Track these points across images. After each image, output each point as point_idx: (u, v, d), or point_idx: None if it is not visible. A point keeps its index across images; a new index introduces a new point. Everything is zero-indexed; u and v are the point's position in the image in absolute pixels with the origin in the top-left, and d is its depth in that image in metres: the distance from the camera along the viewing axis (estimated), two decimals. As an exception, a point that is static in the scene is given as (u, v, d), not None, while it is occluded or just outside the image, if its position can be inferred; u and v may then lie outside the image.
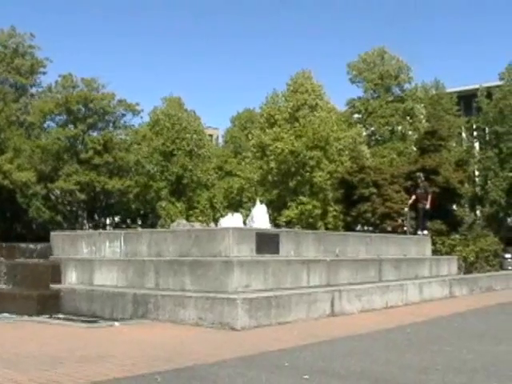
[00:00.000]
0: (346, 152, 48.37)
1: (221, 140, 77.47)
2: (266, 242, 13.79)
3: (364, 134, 55.84)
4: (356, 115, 58.28)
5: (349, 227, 37.41)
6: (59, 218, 53.62)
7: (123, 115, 57.92)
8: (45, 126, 57.28)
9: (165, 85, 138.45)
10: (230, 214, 19.04)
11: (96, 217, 57.83)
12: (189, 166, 55.71)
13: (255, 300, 11.74)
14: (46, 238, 23.92)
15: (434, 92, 60.42)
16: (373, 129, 57.41)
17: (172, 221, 43.37)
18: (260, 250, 13.50)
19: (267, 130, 48.94)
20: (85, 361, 8.03)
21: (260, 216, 18.33)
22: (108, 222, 59.12)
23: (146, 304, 12.60)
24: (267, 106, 51.97)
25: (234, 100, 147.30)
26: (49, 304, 14.29)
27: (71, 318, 13.46)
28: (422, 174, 23.69)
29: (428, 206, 21.35)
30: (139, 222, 58.73)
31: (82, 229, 48.83)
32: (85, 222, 55.78)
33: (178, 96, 59.93)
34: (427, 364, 8.05)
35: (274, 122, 49.58)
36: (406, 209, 23.68)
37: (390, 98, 57.28)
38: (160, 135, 56.49)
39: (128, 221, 58.67)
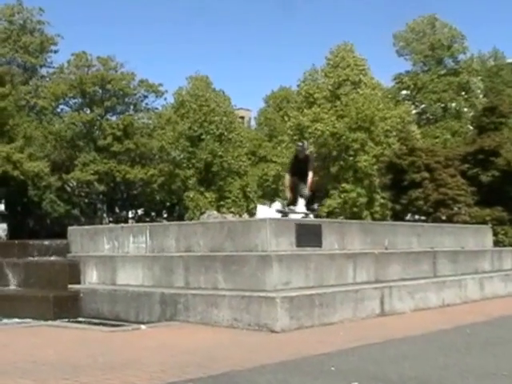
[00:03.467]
0: (394, 133, 48.00)
1: (253, 122, 77.44)
2: (307, 234, 13.75)
3: (413, 112, 55.37)
4: (404, 91, 57.78)
5: (398, 216, 37.12)
6: (76, 211, 54.16)
7: (145, 97, 58.24)
8: (58, 110, 57.81)
9: (190, 63, 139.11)
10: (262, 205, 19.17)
11: (117, 210, 58.29)
12: (218, 151, 55.82)
13: (296, 299, 11.73)
14: (61, 234, 24.19)
15: (492, 63, 59.63)
16: (423, 106, 56.88)
17: (201, 212, 43.56)
18: (301, 242, 13.46)
19: (305, 111, 48.78)
20: (108, 368, 8.09)
21: (298, 206, 18.29)
22: (130, 215, 59.53)
23: (175, 304, 12.66)
24: (305, 84, 51.78)
25: (268, 78, 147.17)
26: (67, 307, 14.44)
27: (92, 322, 13.60)
28: (305, 143, 18.16)
29: (307, 191, 15.84)
30: (165, 215, 59.07)
31: (101, 223, 49.20)
32: (104, 215, 56.26)
33: (205, 75, 60.08)
34: (491, 369, 7.96)
35: (313, 101, 49.40)
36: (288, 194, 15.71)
37: (443, 71, 56.68)
38: (186, 118, 56.66)
39: (152, 214, 59.04)
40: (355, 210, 45.91)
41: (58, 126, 54.91)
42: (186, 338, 10.85)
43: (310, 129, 47.37)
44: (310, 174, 15.77)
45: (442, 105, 56.06)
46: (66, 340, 10.82)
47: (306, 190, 15.15)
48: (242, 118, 74.95)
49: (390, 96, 52.80)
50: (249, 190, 56.90)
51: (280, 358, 8.73)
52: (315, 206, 14.80)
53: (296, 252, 13.25)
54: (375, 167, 45.84)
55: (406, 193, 37.68)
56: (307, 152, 16.24)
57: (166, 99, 60.05)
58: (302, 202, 15.39)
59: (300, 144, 16.53)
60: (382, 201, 45.31)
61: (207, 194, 55.21)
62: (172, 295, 12.87)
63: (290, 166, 15.61)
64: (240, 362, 8.48)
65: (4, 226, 30.19)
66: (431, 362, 8.48)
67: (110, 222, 53.50)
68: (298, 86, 54.05)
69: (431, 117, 56.84)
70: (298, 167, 15.54)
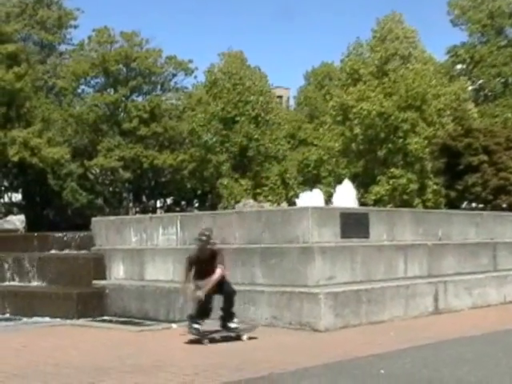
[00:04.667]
0: (448, 112, 47.56)
1: (293, 102, 77.25)
2: (353, 224, 13.71)
3: (470, 88, 54.75)
4: (459, 66, 57.15)
5: (453, 204, 36.84)
6: (99, 201, 54.49)
7: (173, 75, 58.32)
8: (78, 91, 58.10)
9: (222, 37, 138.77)
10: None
11: (144, 199, 58.58)
12: (254, 134, 55.74)
13: (341, 295, 11.73)
14: (83, 226, 24.39)
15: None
16: (481, 82, 56.19)
17: (236, 201, 43.57)
18: (346, 233, 13.43)
19: (350, 89, 48.48)
20: (137, 371, 8.18)
21: (344, 194, 18.30)
22: (158, 204, 59.83)
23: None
24: (349, 59, 51.42)
25: (309, 53, 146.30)
26: (91, 304, 14.60)
27: (119, 321, 13.73)
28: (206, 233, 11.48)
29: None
30: (196, 204, 59.27)
31: (127, 213, 49.52)
32: (131, 205, 56.60)
33: (239, 50, 59.97)
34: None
35: (358, 78, 49.07)
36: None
37: (503, 43, 55.91)
38: (219, 98, 56.66)
39: (182, 203, 59.26)
40: (405, 197, 45.58)
41: (79, 109, 55.23)
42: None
43: (355, 108, 47.06)
44: (219, 271, 10.89)
45: (502, 80, 55.31)
46: (90, 341, 10.95)
47: (198, 294, 10.72)
48: (280, 97, 74.75)
49: (443, 71, 52.19)
50: (288, 176, 56.75)
51: (324, 360, 8.74)
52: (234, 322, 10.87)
53: (341, 244, 13.23)
54: (427, 150, 45.49)
55: (461, 178, 37.37)
56: (210, 245, 11.17)
57: (196, 78, 60.11)
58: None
59: (203, 232, 11.27)
60: (434, 187, 44.97)
61: (242, 181, 55.20)
62: (206, 291, 12.94)
63: (191, 261, 11.12)
64: (280, 364, 8.51)
65: (22, 217, 30.39)
66: (493, 365, 8.42)
67: (136, 212, 53.80)
68: (342, 61, 53.71)
69: (490, 93, 56.12)
70: (202, 267, 11.00)
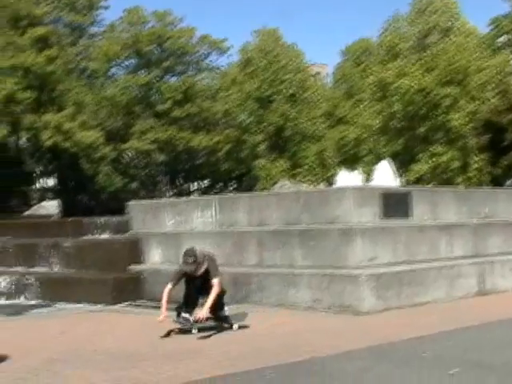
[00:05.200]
0: (491, 86, 47.01)
1: (330, 79, 76.88)
2: (394, 204, 13.65)
3: (514, 61, 54.05)
4: (502, 38, 56.43)
5: (497, 182, 36.57)
6: (134, 185, 54.78)
7: (207, 55, 58.30)
8: (110, 73, 58.32)
9: (256, 15, 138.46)
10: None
11: (179, 182, 58.77)
12: (291, 113, 55.55)
13: (383, 276, 11.72)
14: (118, 210, 24.57)
15: None
16: (525, 54, 55.43)
17: (273, 183, 43.60)
18: (387, 213, 13.38)
19: (388, 64, 48.13)
20: (174, 357, 8.25)
21: (383, 173, 18.22)
22: (194, 187, 60.00)
23: (248, 285, 12.80)
24: (387, 34, 51.04)
25: (346, 28, 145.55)
26: (127, 289, 14.72)
27: (155, 306, 13.83)
28: (196, 251, 10.87)
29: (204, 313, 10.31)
30: (232, 186, 59.34)
31: (162, 197, 49.71)
32: (166, 188, 56.82)
33: (273, 27, 59.78)
34: None
35: (397, 53, 48.68)
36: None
37: (548, 13, 55.06)
38: (254, 77, 56.52)
39: (218, 185, 59.36)
40: (447, 175, 45.25)
41: (112, 91, 55.36)
42: (261, 321, 10.94)
43: (394, 85, 46.72)
44: (214, 289, 10.29)
45: (549, 51, 54.50)
46: (126, 326, 11.07)
47: (200, 314, 10.12)
48: (317, 74, 74.44)
49: (486, 44, 51.55)
50: (326, 155, 56.60)
51: (366, 343, 8.75)
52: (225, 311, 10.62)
53: (382, 224, 13.18)
54: (470, 126, 45.08)
55: (506, 154, 37.04)
56: (203, 266, 10.52)
57: (230, 57, 60.06)
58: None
59: (189, 259, 10.47)
60: (478, 165, 44.60)
61: (279, 162, 55.14)
62: (244, 274, 13.01)
63: (177, 277, 10.64)
64: (322, 347, 8.54)
65: (56, 202, 30.75)
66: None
67: (171, 195, 53.97)
68: (380, 36, 53.35)
69: (535, 66, 55.35)
70: (193, 283, 10.59)
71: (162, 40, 55.13)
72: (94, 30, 59.98)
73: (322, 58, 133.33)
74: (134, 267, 15.40)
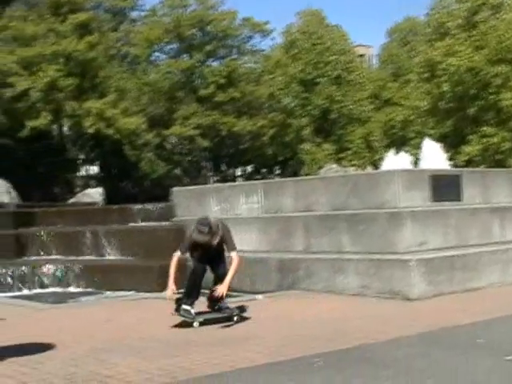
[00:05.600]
0: (544, 64, 46.38)
1: (376, 60, 76.50)
2: (444, 187, 13.54)
3: None
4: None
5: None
6: (177, 171, 55.04)
7: (249, 38, 58.27)
8: (152, 58, 58.55)
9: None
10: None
11: (223, 167, 58.92)
12: (336, 96, 55.43)
13: (434, 261, 11.64)
14: (162, 197, 24.71)
15: None
16: None
17: (319, 167, 43.55)
18: (436, 196, 13.28)
19: (436, 43, 47.71)
20: (223, 344, 8.29)
21: (432, 155, 18.06)
22: (238, 172, 60.11)
23: (295, 271, 12.81)
24: (435, 12, 50.61)
25: (391, 7, 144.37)
26: (173, 277, 14.80)
27: (203, 293, 13.90)
28: (210, 220, 10.18)
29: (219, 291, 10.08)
30: (277, 171, 59.34)
31: (206, 183, 49.91)
32: (210, 174, 57.02)
33: (317, 9, 59.59)
34: None
35: (445, 31, 48.23)
36: None
37: None
38: (298, 60, 56.45)
39: (263, 170, 59.40)
40: (499, 157, 44.81)
41: (154, 76, 55.56)
42: (309, 308, 10.97)
43: (443, 64, 46.33)
44: (233, 262, 10.09)
45: None
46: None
47: (220, 290, 9.95)
48: (362, 56, 74.10)
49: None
50: (372, 138, 56.39)
51: (417, 330, 8.72)
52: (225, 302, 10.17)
53: (431, 207, 13.10)
54: (522, 106, 44.55)
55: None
56: (218, 235, 9.91)
57: (273, 39, 59.93)
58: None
59: (203, 228, 9.79)
60: (531, 145, 44.09)
61: (325, 146, 55.08)
62: (291, 261, 13.02)
63: (187, 246, 10.17)
64: (372, 334, 8.52)
65: (100, 190, 31.04)
66: None
67: (216, 181, 54.15)
68: (427, 15, 52.87)
69: None
70: (207, 254, 10.12)
71: (204, 23, 55.16)
72: (134, 14, 60.32)
73: (367, 39, 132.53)
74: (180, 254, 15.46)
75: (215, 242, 9.86)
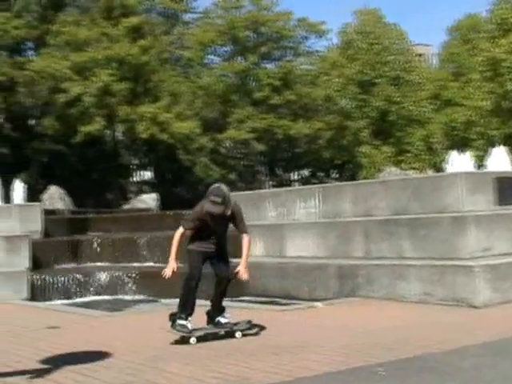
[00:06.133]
0: None
1: (435, 59, 75.87)
2: (509, 190, 13.33)
3: None
4: None
5: None
6: (232, 176, 55.16)
7: (305, 38, 58.21)
8: (206, 61, 58.80)
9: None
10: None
11: (279, 171, 58.91)
12: (395, 97, 55.09)
13: (499, 267, 11.47)
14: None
15: None
16: None
17: (378, 170, 43.31)
18: (502, 200, 13.06)
19: (500, 40, 47.18)
20: (282, 352, 8.27)
21: (497, 158, 17.81)
22: (294, 176, 60.04)
23: (355, 277, 12.73)
24: (498, 8, 50.05)
25: (451, 4, 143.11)
26: (229, 284, 14.79)
27: (259, 301, 13.90)
28: (224, 189, 9.80)
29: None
30: (335, 175, 59.16)
31: (262, 187, 49.94)
32: (265, 178, 57.04)
33: (374, 7, 59.34)
34: None
35: (509, 27, 47.70)
36: None
37: None
38: (355, 60, 56.25)
39: (320, 174, 59.27)
40: None
41: (208, 79, 55.83)
42: (370, 316, 10.90)
43: (506, 62, 45.80)
44: (246, 243, 10.08)
45: None
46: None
47: (243, 273, 9.95)
48: (421, 55, 73.55)
49: None
50: (433, 140, 55.88)
51: (483, 339, 8.59)
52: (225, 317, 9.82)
53: (496, 211, 12.90)
54: None
55: None
56: (230, 207, 9.57)
57: (329, 40, 59.76)
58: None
59: (217, 199, 9.36)
60: None
61: (383, 148, 54.77)
62: (350, 267, 12.95)
63: (194, 220, 9.71)
64: (435, 343, 8.42)
65: (155, 195, 31.28)
66: None
67: (272, 186, 54.15)
68: (489, 11, 52.28)
69: None
70: (211, 234, 9.74)
71: (258, 25, 55.22)
72: (187, 17, 60.65)
73: (426, 37, 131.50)
74: (236, 261, 15.48)
75: (228, 213, 9.48)
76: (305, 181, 57.28)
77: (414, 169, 46.41)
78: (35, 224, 19.05)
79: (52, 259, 18.05)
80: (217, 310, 9.75)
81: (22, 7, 47.15)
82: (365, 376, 6.94)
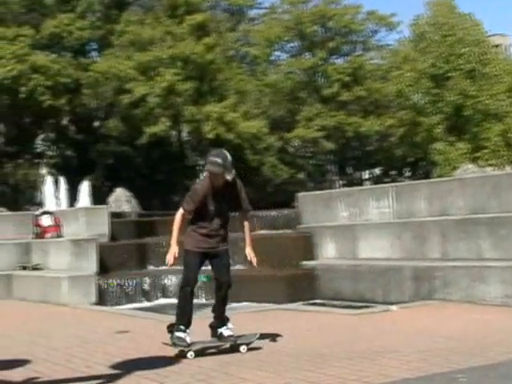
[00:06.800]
0: None
1: (513, 51, 74.93)
2: None
3: None
4: None
5: None
6: (301, 175, 55.08)
7: (375, 32, 57.92)
8: (272, 57, 58.82)
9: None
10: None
11: (349, 170, 58.71)
12: (470, 90, 54.37)
13: None
14: (284, 203, 24.74)
15: None
16: None
17: (453, 167, 42.84)
18: None
19: None
20: (358, 357, 8.21)
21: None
22: (365, 175, 59.78)
23: (431, 280, 12.59)
24: None
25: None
26: (301, 287, 14.84)
27: (331, 304, 13.86)
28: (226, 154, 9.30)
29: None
30: (407, 173, 58.70)
31: (331, 187, 49.76)
32: (335, 178, 56.87)
33: (448, -3, 58.71)
34: None
35: None
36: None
37: None
38: (427, 53, 55.65)
39: (392, 172, 58.87)
40: None
41: (275, 77, 55.86)
42: (448, 320, 10.77)
43: None
44: (247, 225, 9.83)
45: None
46: (303, 326, 11.13)
47: (252, 257, 9.62)
48: (498, 46, 72.58)
49: None
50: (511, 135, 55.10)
51: None
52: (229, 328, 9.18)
53: None
54: None
55: None
56: (232, 173, 9.21)
57: (400, 33, 59.33)
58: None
59: (216, 160, 9.02)
60: None
61: (459, 145, 54.12)
62: (426, 269, 12.82)
63: (196, 203, 9.02)
64: (521, 348, 8.29)
65: (221, 196, 31.48)
66: None
67: (342, 185, 53.95)
68: None
69: None
70: (218, 205, 9.16)
71: (326, 19, 55.11)
72: (253, 13, 60.80)
73: (504, 27, 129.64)
74: (307, 263, 15.50)
75: (229, 177, 9.01)
76: (376, 180, 56.96)
77: (491, 165, 45.80)
78: (102, 227, 19.24)
79: (119, 263, 18.21)
80: (219, 320, 9.15)
81: (86, 8, 47.82)
82: (445, 383, 6.85)
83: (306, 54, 56.58)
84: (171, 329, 8.87)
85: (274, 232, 18.11)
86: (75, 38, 46.31)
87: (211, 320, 9.25)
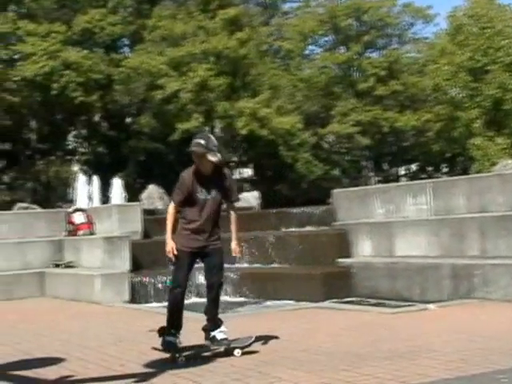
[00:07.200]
0: None
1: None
2: None
3: None
4: None
5: None
6: (336, 172, 54.98)
7: (411, 25, 57.70)
8: (306, 52, 58.80)
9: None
10: None
11: (385, 166, 58.50)
12: (510, 84, 53.97)
13: None
14: (318, 200, 24.69)
15: None
16: None
17: (492, 163, 42.49)
18: None
19: None
20: (395, 357, 8.17)
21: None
22: (402, 171, 59.57)
23: (470, 278, 12.50)
24: None
25: None
26: (336, 285, 14.81)
27: (367, 302, 13.83)
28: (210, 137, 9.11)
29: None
30: (445, 169, 58.41)
31: (367, 183, 49.65)
32: (371, 174, 56.72)
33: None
34: None
35: None
36: None
37: None
38: (465, 46, 55.28)
39: (429, 168, 58.61)
40: None
41: (309, 71, 55.83)
42: (487, 319, 10.70)
43: None
44: (234, 218, 9.57)
45: None
46: (339, 324, 11.10)
47: (236, 249, 9.80)
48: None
49: None
50: (553, 130, 54.64)
51: None
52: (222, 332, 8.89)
53: None
54: None
55: None
56: (217, 155, 8.83)
57: (437, 25, 59.07)
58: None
59: (198, 141, 8.91)
60: None
61: (498, 140, 53.71)
62: (465, 266, 12.73)
63: (184, 193, 8.83)
64: None
65: (256, 193, 31.35)
66: None
67: (378, 181, 53.80)
68: None
69: None
70: (207, 192, 8.89)
71: (361, 12, 55.00)
72: (287, 6, 60.81)
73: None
74: (343, 261, 15.46)
75: (213, 158, 8.66)
76: (413, 176, 56.73)
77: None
78: (135, 224, 19.33)
79: (152, 260, 18.25)
80: (212, 323, 8.91)
81: (117, 3, 48.03)
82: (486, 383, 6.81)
83: (341, 47, 56.47)
84: (162, 332, 8.70)
85: (309, 229, 18.09)
86: (107, 34, 46.56)
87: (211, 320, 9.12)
